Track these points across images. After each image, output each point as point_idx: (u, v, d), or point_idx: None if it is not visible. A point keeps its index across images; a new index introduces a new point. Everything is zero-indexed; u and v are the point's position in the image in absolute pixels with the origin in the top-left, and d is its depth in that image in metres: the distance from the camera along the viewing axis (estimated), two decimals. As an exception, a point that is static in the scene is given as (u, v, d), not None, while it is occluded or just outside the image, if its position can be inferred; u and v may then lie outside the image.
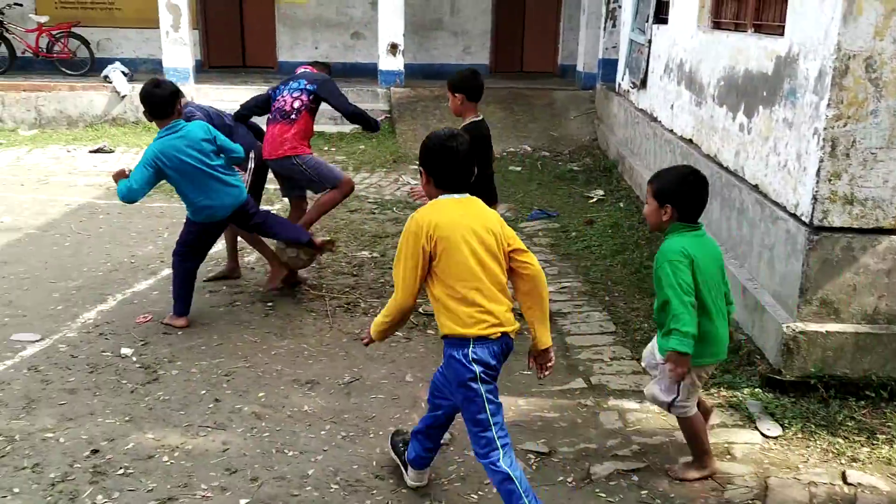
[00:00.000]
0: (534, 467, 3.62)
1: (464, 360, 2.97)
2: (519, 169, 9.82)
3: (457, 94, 4.97)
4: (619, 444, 3.81)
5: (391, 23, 12.33)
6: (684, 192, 3.30)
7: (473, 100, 4.99)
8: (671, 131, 7.27)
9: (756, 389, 4.23)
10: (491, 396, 3.02)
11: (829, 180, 4.09)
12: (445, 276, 2.96)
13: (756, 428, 3.93)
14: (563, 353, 4.76)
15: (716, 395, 4.24)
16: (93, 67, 12.86)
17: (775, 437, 3.85)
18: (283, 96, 5.64)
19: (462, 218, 2.97)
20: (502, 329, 3.00)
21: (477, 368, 2.98)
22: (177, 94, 4.92)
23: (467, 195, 3.07)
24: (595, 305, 5.50)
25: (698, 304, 3.24)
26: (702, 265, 3.27)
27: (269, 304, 5.48)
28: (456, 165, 3.02)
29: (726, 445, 3.79)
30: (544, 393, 4.27)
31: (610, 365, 4.62)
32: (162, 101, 4.83)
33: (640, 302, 5.50)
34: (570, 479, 3.53)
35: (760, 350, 4.52)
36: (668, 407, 3.47)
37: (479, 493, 3.44)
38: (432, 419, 3.38)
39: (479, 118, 5.04)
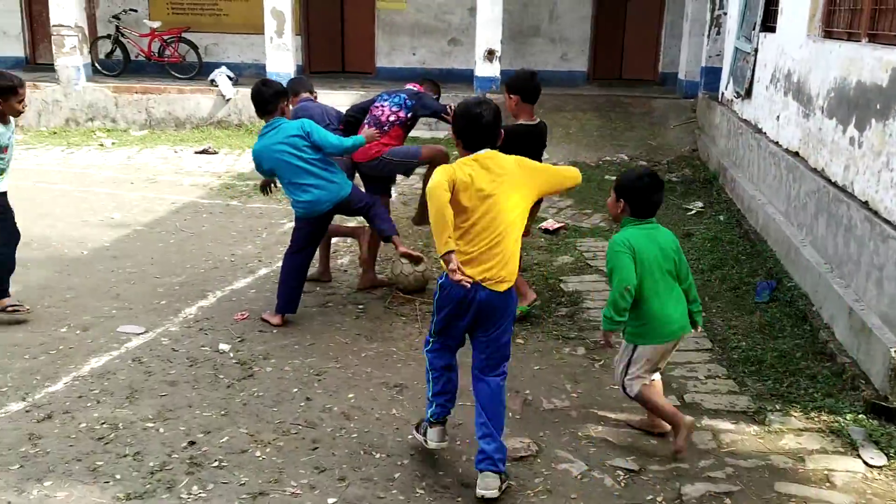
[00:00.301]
0: (622, 484, 3.55)
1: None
2: (615, 178, 9.66)
3: (512, 95, 5.03)
4: (711, 465, 3.70)
5: (489, 29, 12.34)
6: (637, 190, 3.76)
7: (528, 101, 5.06)
8: (776, 143, 7.03)
9: (860, 415, 4.04)
10: None
11: (948, 199, 3.87)
12: None
13: (859, 456, 3.75)
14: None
15: (816, 419, 4.07)
16: (200, 71, 13.35)
17: (879, 467, 3.67)
18: (382, 105, 5.74)
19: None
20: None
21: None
22: (281, 94, 5.20)
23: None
24: (690, 321, 5.35)
25: (640, 290, 3.64)
26: (643, 256, 3.66)
27: (360, 306, 5.56)
28: (479, 129, 3.41)
29: (826, 472, 3.63)
30: (635, 409, 4.18)
31: (704, 383, 4.49)
32: (266, 99, 5.15)
33: (738, 319, 5.33)
34: (659, 499, 3.45)
35: (865, 374, 4.31)
36: (621, 383, 3.81)
37: (565, 507, 3.40)
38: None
39: (535, 122, 5.08)
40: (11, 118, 5.11)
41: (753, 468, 3.67)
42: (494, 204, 3.36)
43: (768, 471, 3.64)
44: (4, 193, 5.14)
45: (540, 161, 4.30)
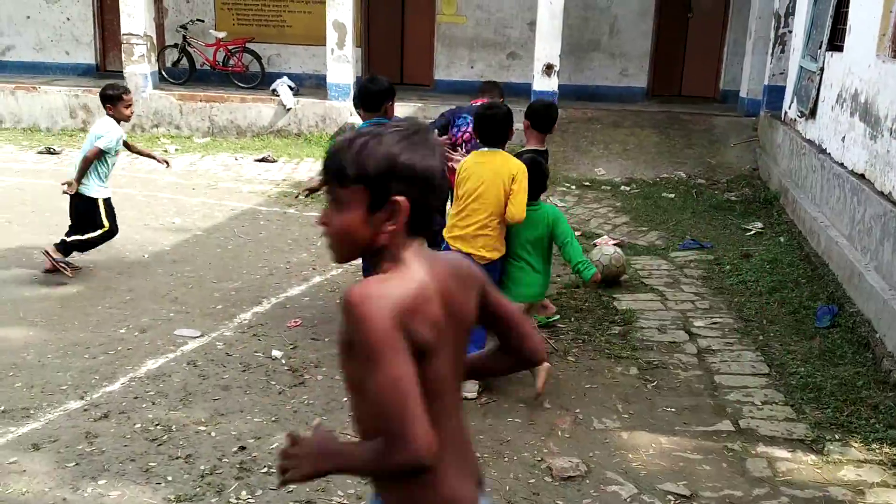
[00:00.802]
0: (672, 509, 3.48)
1: None
2: (672, 196, 9.54)
3: (525, 120, 5.15)
4: (766, 494, 3.60)
5: (548, 44, 12.31)
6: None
7: (538, 129, 5.15)
8: (841, 164, 6.86)
9: (925, 450, 3.90)
10: None
11: None
12: None
13: (923, 492, 3.61)
14: (711, 393, 4.56)
15: (877, 451, 3.93)
16: (263, 81, 13.59)
17: (945, 505, 3.53)
18: (459, 127, 5.76)
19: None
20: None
21: None
22: (386, 93, 5.12)
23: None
24: (748, 344, 5.24)
25: (514, 257, 4.52)
26: (519, 231, 4.47)
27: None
28: (493, 126, 4.43)
29: (887, 508, 3.50)
30: (688, 433, 4.11)
31: (760, 409, 4.38)
32: (370, 95, 5.11)
33: (797, 344, 5.20)
34: (710, 526, 3.37)
35: (932, 407, 4.16)
36: None
37: (614, 530, 3.34)
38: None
39: (542, 149, 5.17)
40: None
41: (810, 499, 3.56)
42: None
43: (825, 502, 3.53)
44: (109, 199, 6.09)
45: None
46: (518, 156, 4.72)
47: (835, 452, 3.93)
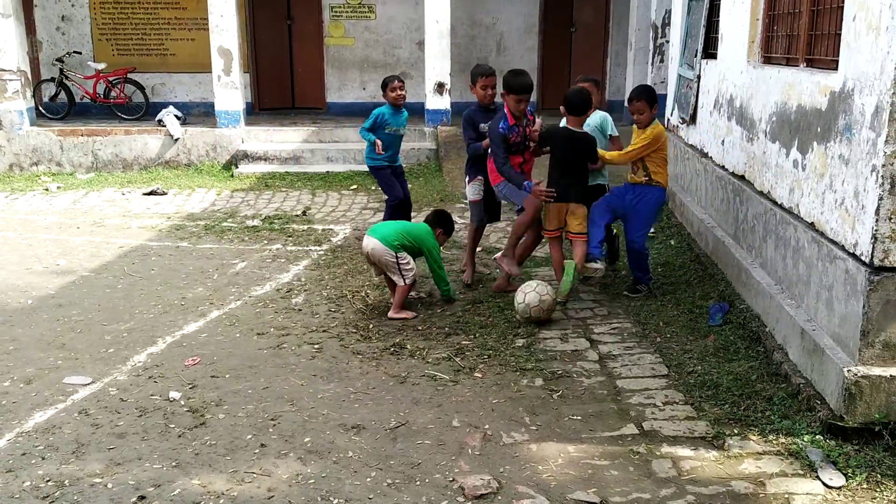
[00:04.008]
0: (584, 518, 3.51)
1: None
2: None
3: (562, 107, 6.28)
4: (673, 493, 3.67)
5: (438, 62, 12.44)
6: None
7: (573, 114, 6.18)
8: (722, 167, 7.14)
9: (817, 436, 4.06)
10: None
11: (890, 219, 3.94)
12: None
13: (818, 477, 3.76)
14: (614, 398, 4.64)
15: (774, 442, 4.08)
16: (147, 112, 13.21)
17: (838, 488, 3.68)
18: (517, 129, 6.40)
19: None
20: None
21: None
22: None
23: None
24: (646, 347, 5.37)
25: None
26: None
27: (316, 346, 5.47)
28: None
29: (787, 496, 3.63)
30: (595, 440, 4.16)
31: (662, 410, 4.48)
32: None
33: (693, 343, 5.36)
34: (622, 532, 3.41)
35: (821, 395, 4.35)
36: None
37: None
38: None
39: (579, 131, 6.26)
40: None
41: (715, 495, 3.65)
42: None
43: (730, 497, 3.63)
44: None
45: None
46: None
47: (735, 447, 4.05)
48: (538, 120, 6.45)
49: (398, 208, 7.79)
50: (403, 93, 7.68)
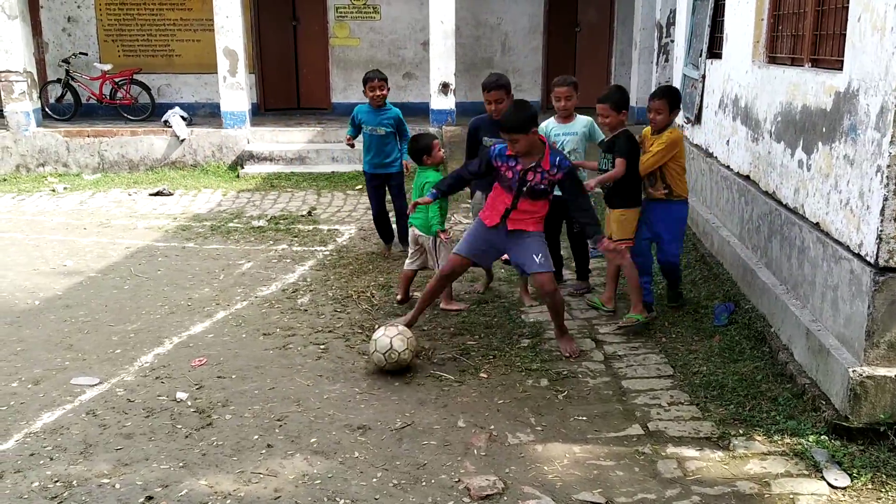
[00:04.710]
0: (590, 518, 3.52)
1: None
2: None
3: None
4: (678, 494, 3.68)
5: (443, 62, 12.45)
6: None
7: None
8: (727, 167, 7.14)
9: (822, 437, 4.06)
10: None
11: (895, 219, 3.94)
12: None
13: (823, 478, 3.76)
14: (620, 398, 4.65)
15: (779, 442, 4.08)
16: (153, 112, 13.24)
17: (843, 488, 3.69)
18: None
19: None
20: None
21: None
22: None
23: None
24: (651, 347, 5.37)
25: None
26: None
27: (322, 346, 5.49)
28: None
29: (791, 496, 3.63)
30: (600, 440, 4.17)
31: (668, 410, 4.49)
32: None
33: (698, 343, 5.37)
34: (627, 532, 3.42)
35: (825, 395, 4.35)
36: None
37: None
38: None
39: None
40: None
41: (720, 496, 3.66)
42: None
43: (735, 498, 3.64)
44: None
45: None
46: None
47: (740, 447, 4.05)
48: (590, 182, 5.76)
49: (378, 222, 7.61)
50: (383, 93, 7.26)
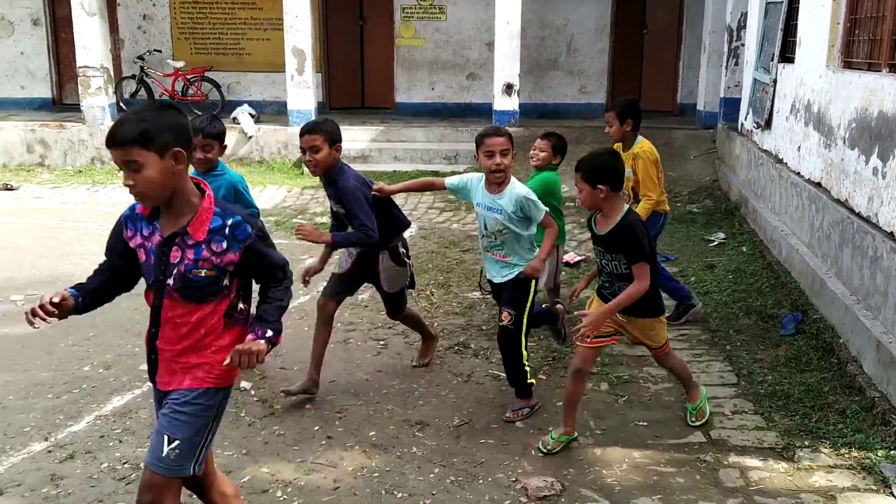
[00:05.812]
0: (648, 524, 3.48)
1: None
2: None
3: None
4: (740, 503, 3.62)
5: (507, 63, 12.43)
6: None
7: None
8: (798, 174, 6.99)
9: (892, 451, 3.95)
10: None
11: (976, 230, 3.81)
12: None
13: (892, 494, 3.66)
14: (682, 405, 4.58)
15: (846, 455, 3.98)
16: (223, 109, 13.52)
17: (914, 506, 3.58)
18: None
19: None
20: None
21: None
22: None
23: None
24: (715, 355, 5.29)
25: None
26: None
27: (382, 342, 5.54)
28: None
29: (859, 512, 3.54)
30: (661, 446, 4.12)
31: (731, 419, 4.41)
32: None
33: (764, 352, 5.26)
34: (686, 539, 3.38)
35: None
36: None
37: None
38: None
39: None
40: None
41: (783, 507, 3.59)
42: None
43: (798, 510, 3.57)
44: None
45: None
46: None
47: (805, 459, 3.96)
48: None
49: None
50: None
